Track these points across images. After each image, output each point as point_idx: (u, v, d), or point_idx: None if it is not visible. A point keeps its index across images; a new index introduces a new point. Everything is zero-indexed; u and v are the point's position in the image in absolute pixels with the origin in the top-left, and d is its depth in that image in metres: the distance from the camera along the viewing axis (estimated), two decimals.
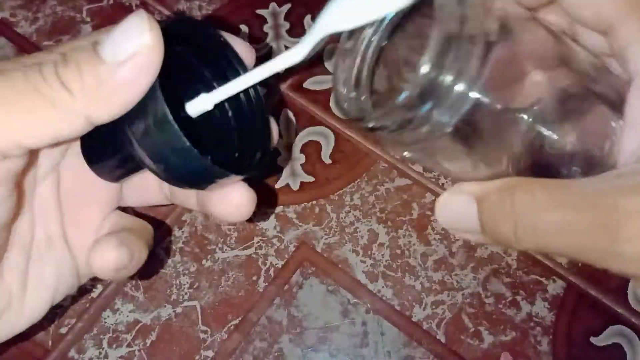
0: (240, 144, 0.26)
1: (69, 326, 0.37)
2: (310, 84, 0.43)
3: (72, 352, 0.37)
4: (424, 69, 0.17)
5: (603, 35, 0.19)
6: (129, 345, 0.37)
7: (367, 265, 0.39)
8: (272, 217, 0.39)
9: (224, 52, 0.24)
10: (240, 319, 0.38)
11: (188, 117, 0.23)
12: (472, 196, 0.19)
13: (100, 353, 0.37)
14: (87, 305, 0.37)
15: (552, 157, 0.21)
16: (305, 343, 0.37)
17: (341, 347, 0.37)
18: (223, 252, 0.39)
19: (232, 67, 0.24)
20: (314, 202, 0.40)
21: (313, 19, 0.45)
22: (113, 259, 0.24)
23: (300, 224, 0.39)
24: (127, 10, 0.44)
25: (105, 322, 0.37)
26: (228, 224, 0.39)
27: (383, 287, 0.38)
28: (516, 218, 0.18)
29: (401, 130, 0.19)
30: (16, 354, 0.37)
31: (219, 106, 0.23)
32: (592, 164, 0.20)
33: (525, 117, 0.20)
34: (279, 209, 0.40)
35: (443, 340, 0.37)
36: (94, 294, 0.38)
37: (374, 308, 0.38)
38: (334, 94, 0.21)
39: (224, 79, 0.24)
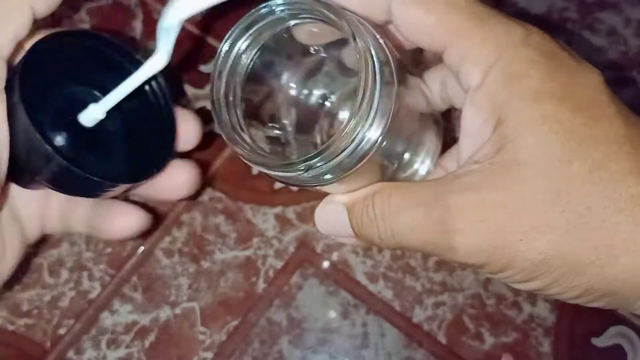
0: (131, 151, 0.27)
1: (67, 327, 0.37)
2: None
3: (71, 353, 0.36)
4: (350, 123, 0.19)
5: (441, 55, 0.21)
6: (127, 347, 0.37)
7: (367, 266, 0.38)
8: (272, 217, 0.39)
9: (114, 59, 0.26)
10: (239, 320, 0.37)
11: (90, 128, 0.25)
12: (342, 205, 0.22)
13: (98, 354, 0.36)
14: (86, 306, 0.37)
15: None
16: (305, 344, 0.37)
17: (341, 348, 0.37)
18: (222, 253, 0.38)
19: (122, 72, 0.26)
20: (314, 202, 0.39)
21: None
22: (137, 219, 0.28)
23: (300, 224, 0.39)
24: (125, 10, 0.44)
25: (103, 323, 0.37)
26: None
27: (383, 288, 0.38)
28: (377, 222, 0.21)
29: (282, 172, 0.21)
30: (14, 355, 0.36)
31: (111, 114, 0.24)
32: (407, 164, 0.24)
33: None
34: (278, 209, 0.39)
35: (444, 341, 0.37)
36: (92, 295, 0.37)
37: (374, 309, 0.38)
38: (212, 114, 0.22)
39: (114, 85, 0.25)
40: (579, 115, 0.19)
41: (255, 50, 0.22)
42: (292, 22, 0.22)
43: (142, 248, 0.38)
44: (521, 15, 0.21)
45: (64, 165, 0.22)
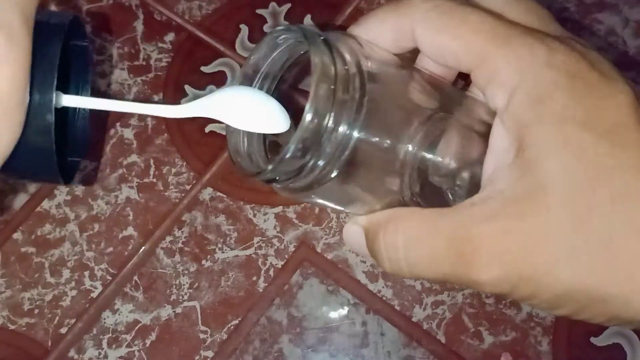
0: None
1: (69, 326, 0.37)
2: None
3: (72, 352, 0.37)
4: (305, 120, 0.19)
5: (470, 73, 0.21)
6: (128, 346, 0.37)
7: (367, 266, 0.38)
8: (272, 217, 0.39)
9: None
10: (240, 319, 0.37)
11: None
12: (361, 228, 0.22)
13: (99, 353, 0.37)
14: (87, 305, 0.37)
15: (438, 181, 0.23)
16: (305, 343, 0.37)
17: (341, 347, 0.37)
18: (223, 252, 0.39)
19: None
20: None
21: (313, 18, 0.45)
22: None
23: (300, 224, 0.39)
24: (126, 10, 0.44)
25: (104, 323, 0.37)
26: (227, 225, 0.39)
27: (383, 287, 0.38)
28: (390, 253, 0.20)
29: (290, 180, 0.21)
30: (16, 354, 0.37)
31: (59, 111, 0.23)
32: (473, 184, 0.22)
33: (409, 148, 0.22)
34: (279, 209, 0.40)
35: (443, 340, 0.37)
36: (94, 294, 0.38)
37: (374, 308, 0.38)
38: (229, 154, 0.22)
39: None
40: (603, 141, 0.18)
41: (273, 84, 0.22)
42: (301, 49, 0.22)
43: (143, 248, 0.38)
44: None
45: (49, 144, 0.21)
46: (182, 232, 0.39)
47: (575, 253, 0.18)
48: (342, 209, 0.24)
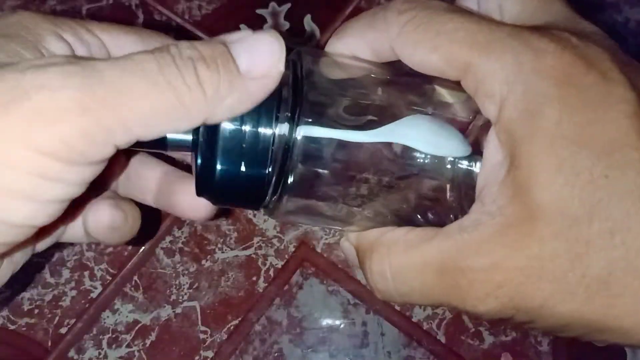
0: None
1: (69, 326, 0.37)
2: None
3: (72, 352, 0.37)
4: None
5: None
6: (128, 346, 0.37)
7: None
8: None
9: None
10: (240, 319, 0.37)
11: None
12: (351, 246, 0.21)
13: (99, 353, 0.37)
14: (87, 305, 0.37)
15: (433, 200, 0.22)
16: (305, 343, 0.37)
17: (341, 347, 0.37)
18: (223, 252, 0.39)
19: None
20: None
21: (313, 18, 0.45)
22: (108, 216, 0.24)
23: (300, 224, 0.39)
24: (126, 11, 0.44)
25: (104, 323, 0.37)
26: (221, 224, 0.39)
27: None
28: (377, 280, 0.20)
29: (271, 198, 0.20)
30: (16, 354, 0.37)
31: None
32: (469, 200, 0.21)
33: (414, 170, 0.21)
34: None
35: (443, 340, 0.37)
36: (94, 295, 0.38)
37: (374, 308, 0.38)
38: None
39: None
40: (600, 162, 0.17)
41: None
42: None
43: (143, 248, 0.38)
44: None
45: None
46: (182, 232, 0.39)
47: (571, 290, 0.17)
48: (339, 228, 0.24)
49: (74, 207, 0.24)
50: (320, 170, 0.21)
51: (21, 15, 0.20)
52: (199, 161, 0.20)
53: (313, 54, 0.22)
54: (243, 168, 0.20)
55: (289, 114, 0.20)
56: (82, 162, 0.18)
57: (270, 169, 0.20)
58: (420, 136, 0.21)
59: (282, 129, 0.20)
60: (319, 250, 0.39)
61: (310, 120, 0.20)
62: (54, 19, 0.20)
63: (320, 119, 0.20)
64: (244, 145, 0.20)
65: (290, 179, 0.20)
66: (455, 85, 0.20)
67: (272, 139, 0.20)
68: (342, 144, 0.20)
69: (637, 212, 0.17)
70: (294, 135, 0.20)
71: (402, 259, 0.19)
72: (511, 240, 0.17)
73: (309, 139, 0.20)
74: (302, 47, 0.22)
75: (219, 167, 0.20)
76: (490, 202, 0.18)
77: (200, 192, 0.21)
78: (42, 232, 0.25)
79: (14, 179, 0.17)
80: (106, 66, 0.17)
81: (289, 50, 0.20)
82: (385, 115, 0.22)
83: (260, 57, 0.19)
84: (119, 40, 0.22)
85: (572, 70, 0.18)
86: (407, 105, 0.22)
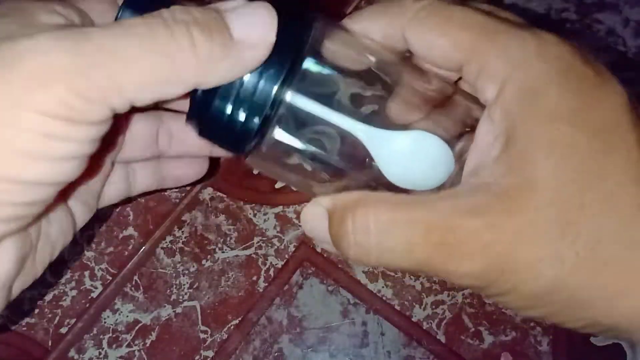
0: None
1: (69, 326, 0.37)
2: None
3: (72, 352, 0.37)
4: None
5: (459, 72, 0.21)
6: (128, 346, 0.37)
7: (367, 266, 0.39)
8: (272, 217, 0.39)
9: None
10: (240, 319, 0.37)
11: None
12: (324, 210, 0.20)
13: (100, 353, 0.37)
14: (87, 305, 0.37)
15: None
16: (305, 343, 0.37)
17: (341, 347, 0.37)
18: (223, 252, 0.39)
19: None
20: None
21: None
22: (199, 167, 0.28)
23: (301, 224, 0.39)
24: None
25: (105, 322, 0.37)
26: (227, 225, 0.39)
27: (383, 287, 0.38)
28: (357, 237, 0.19)
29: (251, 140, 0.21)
30: (16, 354, 0.37)
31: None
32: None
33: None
34: (279, 209, 0.40)
35: (443, 340, 0.37)
36: (94, 294, 0.38)
37: (374, 308, 0.38)
38: None
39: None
40: (595, 141, 0.18)
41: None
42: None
43: (143, 247, 0.38)
44: (520, 16, 0.22)
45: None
46: (182, 232, 0.39)
47: (560, 253, 0.18)
48: (311, 190, 0.24)
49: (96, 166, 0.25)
50: (298, 136, 0.22)
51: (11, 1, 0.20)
52: (199, 93, 0.21)
53: (330, 26, 0.22)
54: (237, 110, 0.21)
55: (286, 75, 0.20)
56: (83, 122, 0.18)
57: (258, 118, 0.21)
58: (393, 162, 0.21)
59: (280, 88, 0.20)
60: (319, 250, 0.39)
61: (303, 88, 0.21)
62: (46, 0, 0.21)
63: (314, 90, 0.21)
64: (241, 90, 0.20)
65: (272, 134, 0.21)
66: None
67: (269, 94, 0.20)
68: (323, 120, 0.21)
69: (628, 185, 0.18)
70: (287, 93, 0.21)
71: (389, 215, 0.19)
72: (506, 206, 0.18)
73: (299, 102, 0.21)
74: (321, 17, 0.22)
75: (216, 101, 0.20)
76: (485, 176, 0.19)
77: (190, 117, 0.22)
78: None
79: (21, 138, 0.17)
80: (96, 31, 0.18)
81: (308, 15, 0.21)
82: (383, 113, 0.22)
83: (252, 27, 0.19)
84: (108, 14, 0.22)
85: (572, 61, 0.19)
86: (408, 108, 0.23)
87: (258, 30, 0.19)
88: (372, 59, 0.22)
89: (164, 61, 0.18)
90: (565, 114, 0.18)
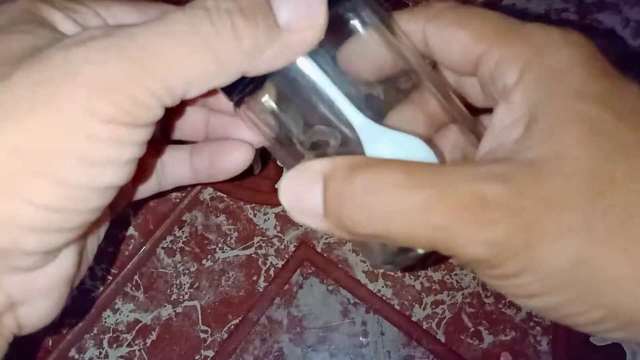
0: None
1: (69, 326, 0.37)
2: None
3: (73, 352, 0.37)
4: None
5: (474, 73, 0.21)
6: (129, 345, 0.37)
7: (367, 265, 0.39)
8: (272, 217, 0.39)
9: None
10: (240, 318, 0.38)
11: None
12: (319, 173, 0.18)
13: (100, 353, 0.37)
14: (88, 305, 0.37)
15: None
16: (306, 343, 0.37)
17: (341, 346, 0.37)
18: (223, 252, 0.39)
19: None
20: None
21: None
22: (244, 155, 0.26)
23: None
24: None
25: (105, 322, 0.37)
26: (227, 224, 0.39)
27: (383, 286, 0.38)
28: (363, 198, 0.17)
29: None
30: (16, 354, 0.37)
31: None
32: None
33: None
34: (279, 208, 0.40)
35: (443, 340, 0.37)
36: (94, 294, 0.38)
37: (374, 308, 0.38)
38: None
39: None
40: (622, 120, 0.17)
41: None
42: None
43: (144, 247, 0.38)
44: (520, 17, 0.22)
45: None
46: (182, 231, 0.39)
47: (590, 226, 0.16)
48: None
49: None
50: (296, 100, 0.22)
51: (23, 2, 0.21)
52: None
53: (377, 12, 0.22)
54: None
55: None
56: (141, 124, 0.19)
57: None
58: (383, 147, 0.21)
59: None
60: (319, 250, 0.39)
61: (320, 60, 0.21)
62: (51, 1, 0.21)
63: (327, 68, 0.21)
64: None
65: (268, 93, 0.21)
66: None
67: None
68: (323, 97, 0.21)
69: None
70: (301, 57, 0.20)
71: (405, 175, 0.17)
72: (533, 175, 0.17)
73: (309, 70, 0.21)
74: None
75: None
76: (506, 152, 0.18)
77: None
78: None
79: (94, 147, 0.18)
80: (139, 32, 0.18)
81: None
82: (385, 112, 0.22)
83: (300, 11, 0.19)
84: (111, 11, 0.23)
85: (594, 50, 0.19)
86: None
87: (306, 14, 0.19)
88: (405, 56, 0.22)
89: (209, 57, 0.18)
90: (592, 92, 0.18)
